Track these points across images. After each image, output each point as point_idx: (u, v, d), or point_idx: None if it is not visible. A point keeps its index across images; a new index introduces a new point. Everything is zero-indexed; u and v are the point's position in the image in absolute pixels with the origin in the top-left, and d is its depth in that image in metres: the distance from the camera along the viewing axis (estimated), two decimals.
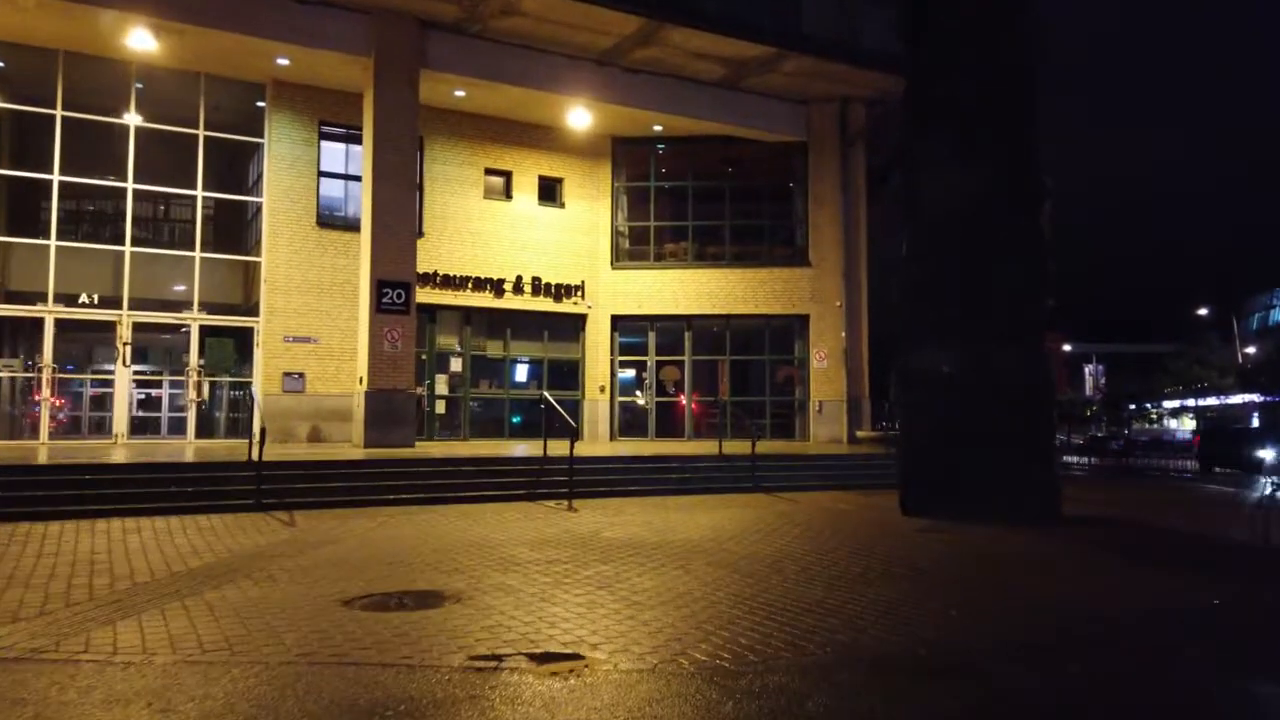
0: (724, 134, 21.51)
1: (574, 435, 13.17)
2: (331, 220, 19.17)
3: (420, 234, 19.79)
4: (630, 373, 22.63)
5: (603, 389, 21.68)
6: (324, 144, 19.28)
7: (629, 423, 22.39)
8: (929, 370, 10.93)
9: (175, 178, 18.25)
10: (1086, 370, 74.09)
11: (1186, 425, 66.88)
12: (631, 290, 21.89)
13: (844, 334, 21.30)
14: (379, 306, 16.79)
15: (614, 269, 21.99)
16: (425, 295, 19.71)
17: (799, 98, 21.56)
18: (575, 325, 21.76)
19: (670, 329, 22.26)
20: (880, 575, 7.55)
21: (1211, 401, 56.53)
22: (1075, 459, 34.39)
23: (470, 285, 20.31)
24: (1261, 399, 46.82)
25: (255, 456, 11.45)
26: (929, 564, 8.13)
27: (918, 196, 11.45)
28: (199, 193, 18.21)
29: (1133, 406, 58.80)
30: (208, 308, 18.23)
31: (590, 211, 21.92)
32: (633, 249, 22.62)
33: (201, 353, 18.03)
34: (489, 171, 20.85)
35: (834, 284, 21.51)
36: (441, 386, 20.24)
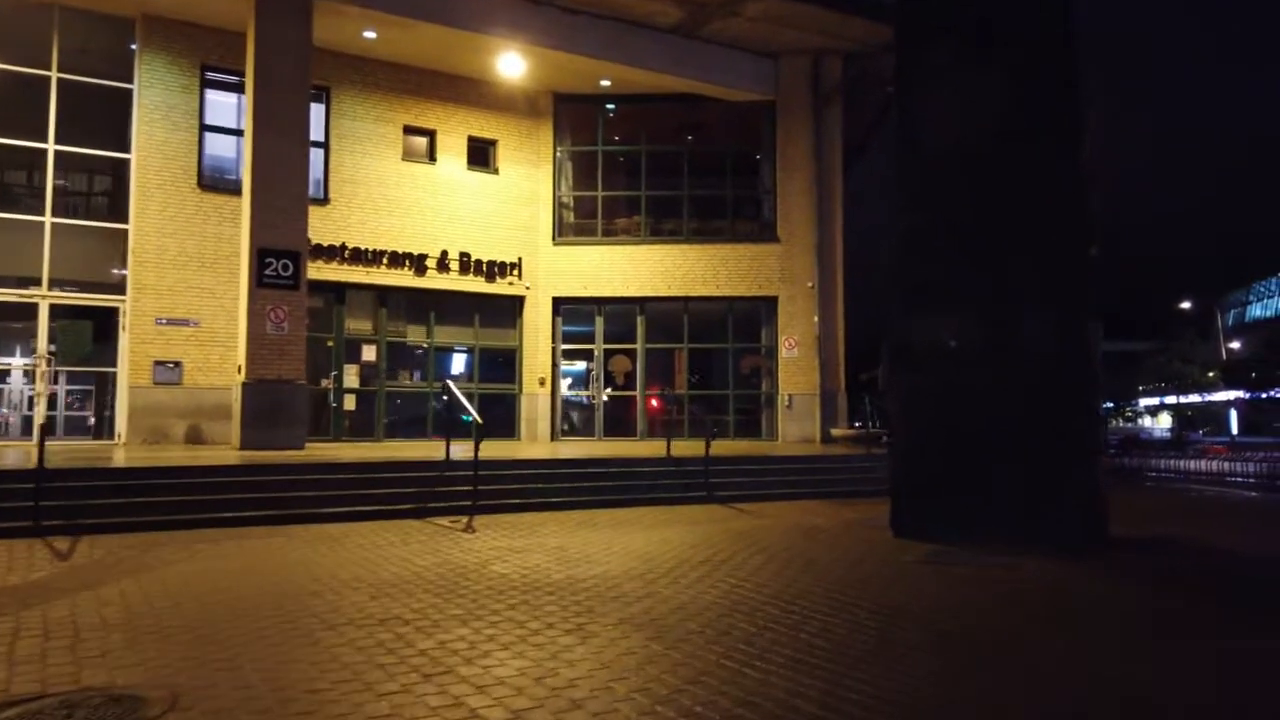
0: (682, 91, 18.84)
1: (480, 434, 10.42)
2: (218, 183, 16.25)
3: (325, 199, 16.99)
4: (575, 364, 19.89)
5: (543, 382, 18.91)
6: (209, 93, 16.36)
7: (574, 420, 19.66)
8: (930, 345, 8.33)
9: (25, 129, 15.24)
10: None
11: (1163, 423, 65.46)
12: (576, 269, 19.15)
13: (817, 319, 18.71)
14: (260, 280, 13.92)
15: (556, 245, 19.24)
16: (331, 271, 16.90)
17: (767, 50, 18.95)
18: (511, 309, 18.97)
19: (621, 313, 19.55)
20: (879, 644, 4.90)
21: (1194, 399, 54.97)
22: None
23: (386, 261, 17.46)
24: (1248, 396, 45.16)
25: (39, 462, 8.59)
26: (950, 621, 5.48)
27: (915, 124, 8.83)
28: (49, 146, 15.20)
29: (1111, 405, 57.12)
30: (62, 284, 15.23)
31: (529, 179, 19.15)
32: (578, 222, 19.87)
33: (53, 338, 15.03)
34: (409, 130, 18.03)
35: (806, 262, 18.91)
36: (352, 379, 17.37)
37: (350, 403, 17.30)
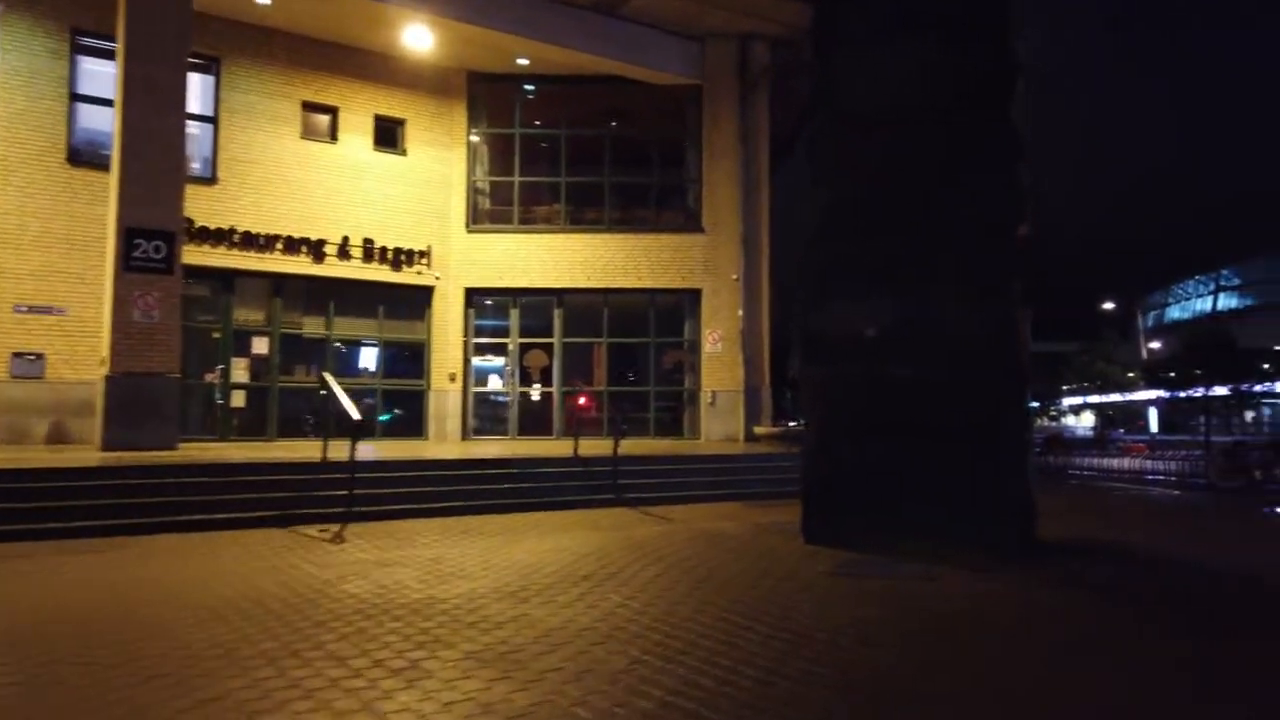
0: (604, 73, 17.94)
1: (356, 432, 9.38)
2: (92, 158, 14.79)
3: (212, 179, 15.69)
4: (488, 358, 18.85)
5: (453, 377, 17.83)
6: (80, 60, 14.92)
7: (486, 418, 18.61)
8: (846, 334, 7.58)
9: None
10: None
11: (1086, 421, 66.88)
12: (491, 259, 18.12)
13: (741, 313, 18.00)
14: (128, 263, 12.60)
15: (470, 233, 18.18)
16: (219, 257, 15.60)
17: (692, 32, 18.17)
18: (420, 299, 17.85)
19: (538, 306, 18.58)
20: (768, 683, 4.07)
21: (1115, 398, 56.12)
22: None
23: (281, 246, 16.20)
24: (1167, 395, 46.11)
25: None
26: (855, 650, 4.68)
27: (834, 92, 8.08)
28: None
29: (1036, 404, 58.06)
30: None
31: (440, 162, 18.05)
32: (493, 209, 18.84)
33: None
34: (309, 106, 16.78)
35: (731, 253, 18.19)
36: (241, 373, 16.06)
37: (239, 399, 15.99)
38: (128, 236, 12.57)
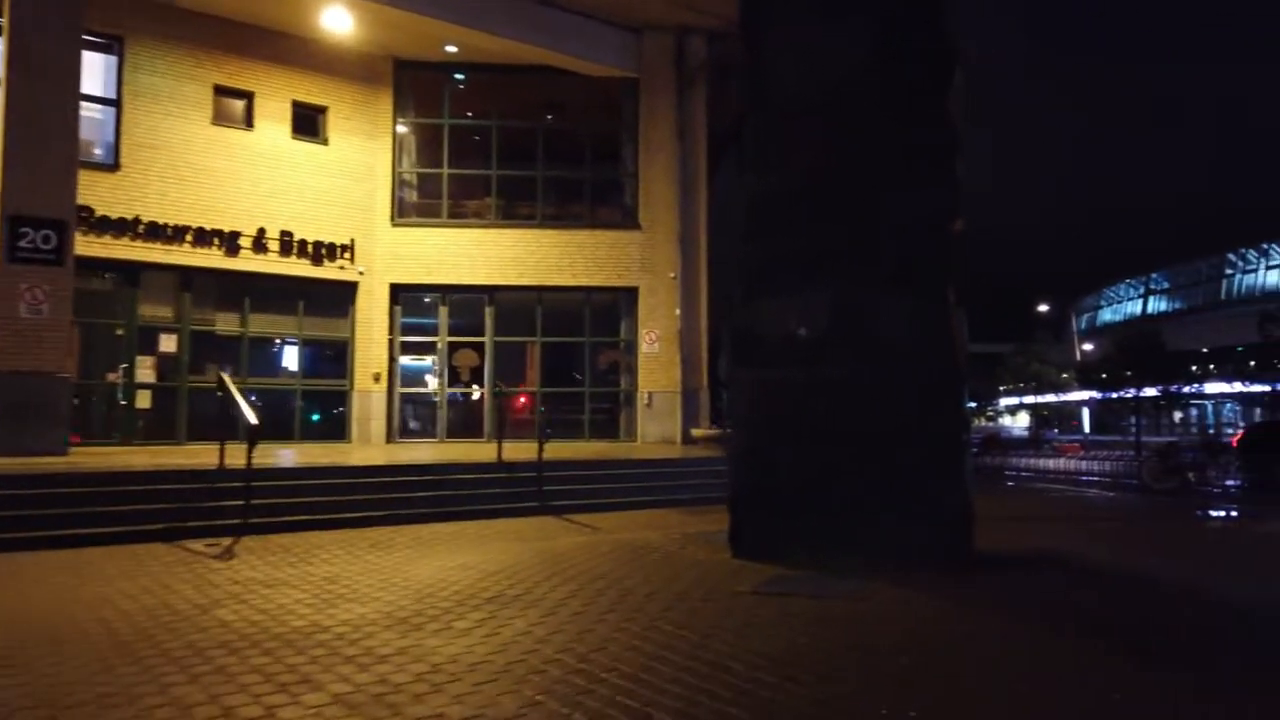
0: (538, 63, 17.33)
1: (254, 437, 8.65)
2: None
3: (115, 165, 14.71)
4: (415, 358, 18.09)
5: (378, 378, 17.04)
6: None
7: (414, 420, 17.87)
8: (777, 333, 7.12)
9: None
10: None
11: (1022, 421, 68.19)
12: (418, 254, 17.37)
13: (679, 312, 17.55)
14: (13, 254, 11.64)
15: (395, 226, 17.41)
16: (122, 248, 14.62)
17: (629, 23, 17.67)
18: (343, 296, 17.02)
19: (468, 303, 17.89)
20: None
21: (1050, 399, 57.22)
22: None
23: (191, 238, 15.26)
24: (1099, 396, 47.05)
25: None
26: (772, 689, 4.19)
27: (763, 76, 7.62)
28: None
29: (974, 404, 58.96)
30: None
31: (364, 152, 17.24)
32: (421, 202, 18.11)
33: None
34: (222, 91, 15.85)
35: (668, 251, 17.72)
36: (147, 372, 15.08)
37: (145, 400, 15.01)
38: (12, 225, 11.61)
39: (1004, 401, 66.36)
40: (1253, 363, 37.15)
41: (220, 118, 15.80)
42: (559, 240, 17.75)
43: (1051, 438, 49.24)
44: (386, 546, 8.21)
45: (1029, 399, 58.68)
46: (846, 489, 6.77)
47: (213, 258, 15.48)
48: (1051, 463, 25.73)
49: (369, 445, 16.38)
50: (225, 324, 16.04)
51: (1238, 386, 38.32)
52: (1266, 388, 33.21)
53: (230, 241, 15.58)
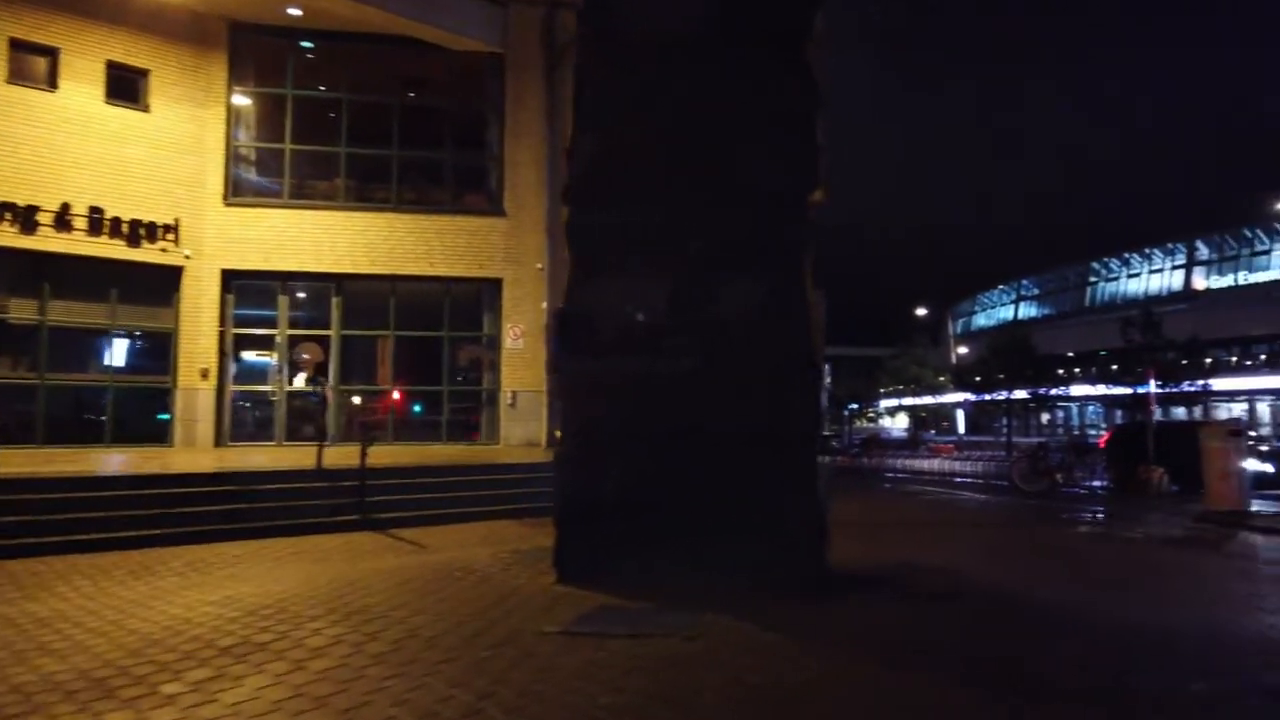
0: (395, 32, 15.90)
1: None
2: None
3: None
4: (251, 353, 16.36)
5: (205, 374, 15.26)
6: None
7: (248, 422, 16.14)
8: (611, 320, 6.09)
9: None
10: None
11: (901, 423, 69.80)
12: (256, 237, 15.68)
13: (546, 305, 16.40)
14: None
15: (230, 206, 15.66)
16: None
17: None
18: (165, 282, 15.16)
19: (313, 293, 16.32)
20: None
21: (927, 400, 58.59)
22: None
23: None
24: (974, 397, 48.26)
25: None
26: None
27: (599, 10, 6.57)
28: None
29: (855, 406, 59.94)
30: None
31: (194, 123, 15.43)
32: (260, 180, 16.41)
33: None
34: (20, 46, 13.86)
35: (535, 240, 16.57)
36: None
37: None
38: None
39: (884, 403, 67.74)
40: (1115, 366, 38.53)
41: (18, 76, 13.80)
42: (417, 226, 16.35)
43: (929, 439, 50.33)
44: (150, 573, 6.82)
45: (908, 400, 59.95)
46: (686, 500, 5.80)
47: (5, 235, 13.46)
48: (927, 464, 25.80)
49: (193, 449, 14.62)
50: (21, 311, 14.02)
51: (1101, 389, 39.67)
52: (1128, 390, 34.29)
53: (26, 217, 13.59)
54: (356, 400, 16.79)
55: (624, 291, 6.04)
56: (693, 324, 5.95)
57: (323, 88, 16.88)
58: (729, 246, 5.96)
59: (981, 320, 73.28)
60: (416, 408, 17.09)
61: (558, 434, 15.52)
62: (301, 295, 16.32)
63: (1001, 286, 72.73)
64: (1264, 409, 43.72)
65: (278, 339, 16.01)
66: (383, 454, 11.98)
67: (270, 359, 16.15)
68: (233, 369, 15.77)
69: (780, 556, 5.74)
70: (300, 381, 15.69)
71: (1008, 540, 9.83)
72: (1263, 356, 49.72)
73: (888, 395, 63.92)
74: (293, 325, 16.10)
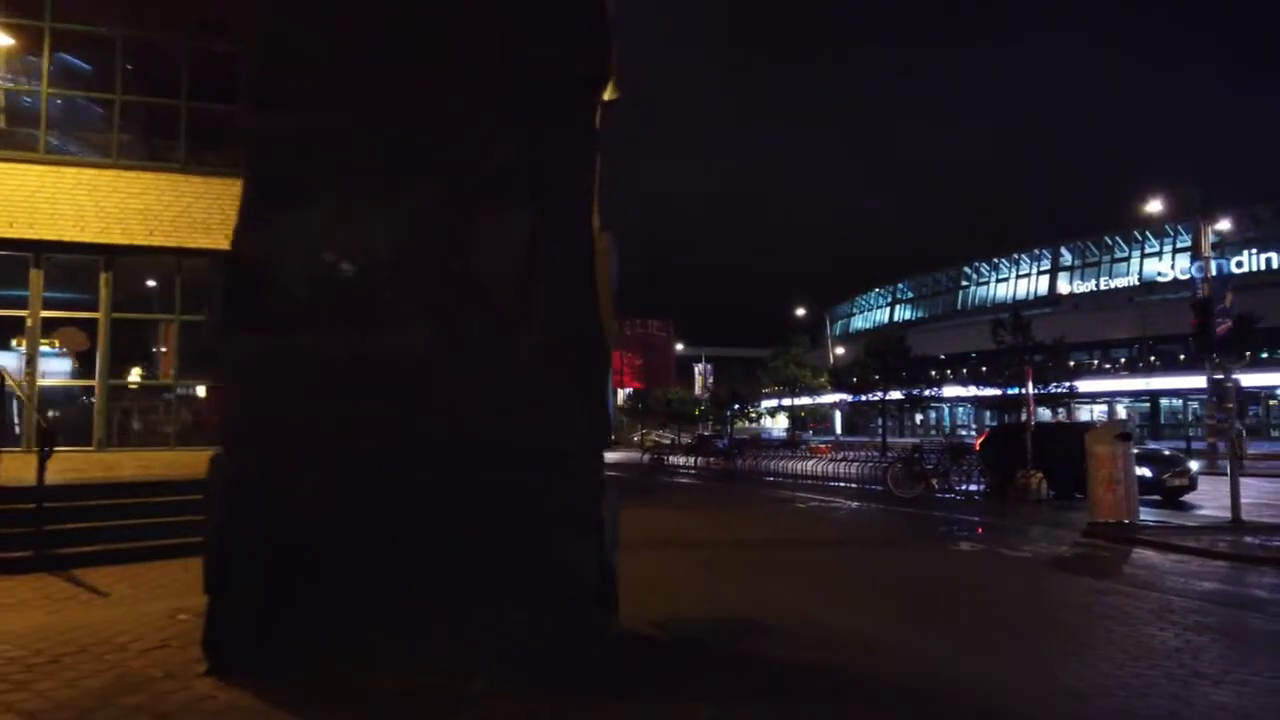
0: None
1: None
2: None
3: None
4: None
5: None
6: None
7: None
8: (302, 268, 4.03)
9: None
10: (697, 369, 75.03)
11: (781, 423, 69.58)
12: (0, 196, 12.77)
13: None
14: None
15: None
16: None
17: None
18: None
19: (75, 267, 13.46)
20: None
21: (805, 401, 58.24)
22: (684, 460, 30.73)
23: None
24: (850, 398, 47.97)
25: None
26: None
27: None
28: None
29: (736, 406, 59.24)
30: None
31: None
32: (6, 131, 13.47)
33: None
34: None
35: None
36: None
37: None
38: None
39: (765, 404, 67.36)
40: (985, 368, 38.66)
41: None
42: (209, 190, 13.71)
43: (808, 439, 49.82)
44: None
45: (787, 401, 59.54)
46: (411, 546, 3.80)
47: None
48: (803, 465, 24.62)
49: None
50: None
51: (972, 390, 39.76)
52: (997, 391, 34.25)
53: None
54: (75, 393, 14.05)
55: (321, 230, 3.98)
56: (424, 279, 3.95)
57: (94, 22, 14.01)
58: (478, 165, 3.98)
59: (859, 322, 74.08)
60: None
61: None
62: (60, 270, 13.45)
63: (878, 289, 73.72)
64: (1122, 411, 44.92)
65: (28, 322, 13.09)
66: (132, 461, 9.50)
67: (18, 346, 13.23)
68: None
69: (549, 625, 3.79)
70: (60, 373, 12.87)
71: (878, 568, 8.25)
72: (1122, 360, 51.45)
73: (769, 396, 63.45)
74: (49, 306, 13.22)
